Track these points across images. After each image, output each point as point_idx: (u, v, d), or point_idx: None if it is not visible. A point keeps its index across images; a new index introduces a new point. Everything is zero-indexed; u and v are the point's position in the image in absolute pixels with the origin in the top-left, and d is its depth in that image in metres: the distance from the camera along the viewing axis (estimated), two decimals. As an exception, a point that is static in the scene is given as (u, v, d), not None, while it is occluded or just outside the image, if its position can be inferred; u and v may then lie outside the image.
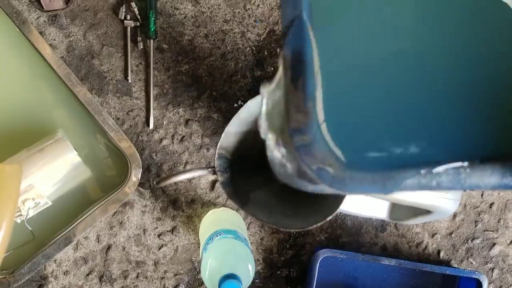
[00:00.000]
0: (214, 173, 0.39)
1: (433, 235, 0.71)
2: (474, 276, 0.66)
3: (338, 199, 0.37)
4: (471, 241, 0.71)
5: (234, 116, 0.37)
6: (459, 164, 0.25)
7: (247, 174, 0.41)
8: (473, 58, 0.29)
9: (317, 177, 0.25)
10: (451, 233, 0.71)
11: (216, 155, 0.39)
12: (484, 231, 0.71)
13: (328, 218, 0.34)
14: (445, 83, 0.28)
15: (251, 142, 0.41)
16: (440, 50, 0.29)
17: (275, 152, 0.31)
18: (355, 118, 0.28)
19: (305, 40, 0.26)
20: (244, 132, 0.39)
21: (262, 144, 0.40)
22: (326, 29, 0.28)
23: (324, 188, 0.31)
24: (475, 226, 0.71)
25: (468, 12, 0.29)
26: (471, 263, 0.72)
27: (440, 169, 0.24)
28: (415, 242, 0.71)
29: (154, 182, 0.43)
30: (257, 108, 0.37)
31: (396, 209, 0.61)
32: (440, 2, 0.30)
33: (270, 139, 0.31)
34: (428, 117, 0.27)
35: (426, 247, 0.71)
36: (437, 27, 0.29)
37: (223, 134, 0.38)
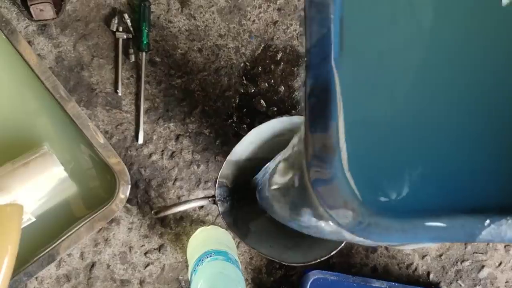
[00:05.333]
0: (215, 202, 0.38)
1: (423, 257, 0.71)
2: (463, 300, 0.66)
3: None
4: (461, 263, 0.71)
5: (237, 145, 0.36)
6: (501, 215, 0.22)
7: (247, 201, 0.40)
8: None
9: (337, 222, 0.23)
10: (441, 255, 0.71)
11: (217, 184, 0.37)
12: (473, 253, 0.71)
13: (333, 253, 0.33)
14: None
15: (251, 169, 0.40)
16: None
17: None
18: (372, 153, 0.25)
19: (331, 66, 0.23)
20: (244, 160, 0.38)
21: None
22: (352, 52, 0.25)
23: (326, 231, 0.28)
24: (465, 248, 0.71)
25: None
26: (460, 285, 0.71)
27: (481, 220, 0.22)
28: (405, 263, 0.70)
29: (153, 212, 0.41)
30: (259, 136, 0.36)
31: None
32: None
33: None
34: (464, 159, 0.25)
35: (416, 268, 0.71)
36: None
37: (224, 164, 0.37)
